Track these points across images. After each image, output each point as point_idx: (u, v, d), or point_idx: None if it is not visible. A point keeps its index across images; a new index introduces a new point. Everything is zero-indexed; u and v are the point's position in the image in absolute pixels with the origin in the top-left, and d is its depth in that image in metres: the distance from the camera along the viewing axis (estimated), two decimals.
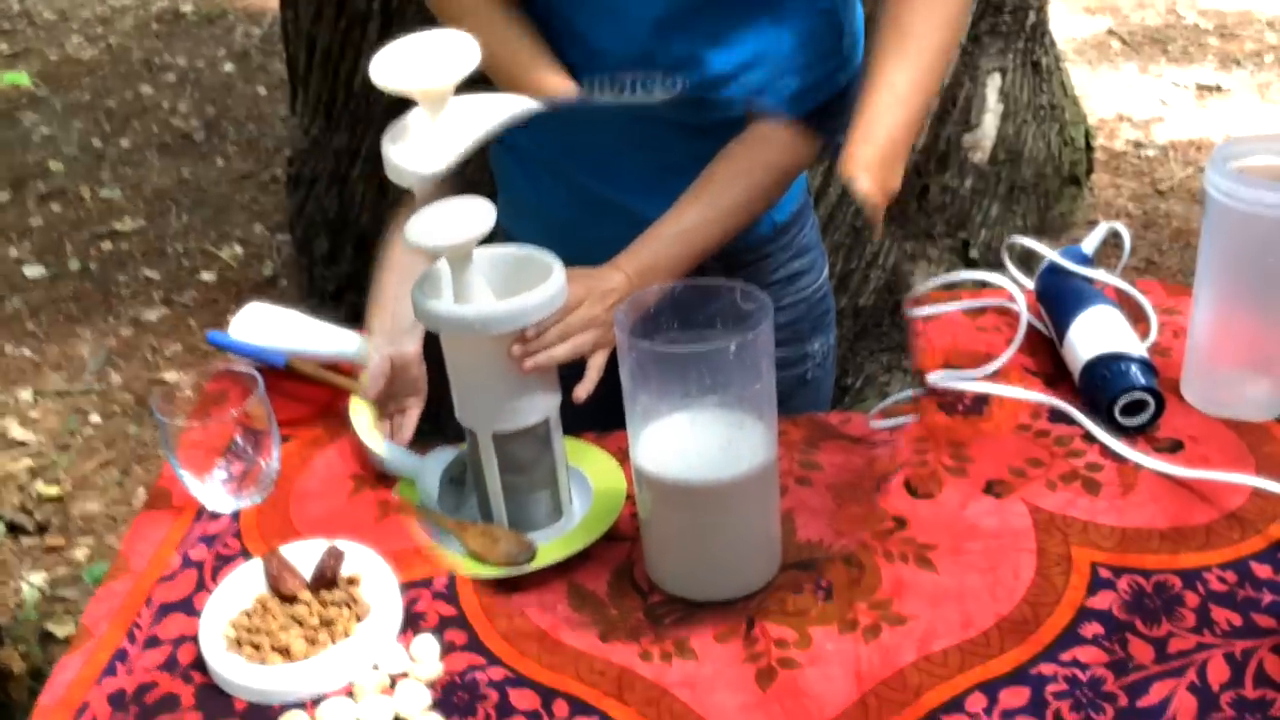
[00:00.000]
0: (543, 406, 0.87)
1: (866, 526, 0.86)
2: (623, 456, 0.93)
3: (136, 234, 3.31)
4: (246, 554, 0.89)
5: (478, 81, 0.83)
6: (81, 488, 2.39)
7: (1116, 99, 3.63)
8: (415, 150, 0.82)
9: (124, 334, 2.88)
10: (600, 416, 0.96)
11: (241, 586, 0.83)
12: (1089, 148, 2.97)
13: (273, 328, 1.07)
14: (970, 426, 0.95)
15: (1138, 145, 3.36)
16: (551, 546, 0.87)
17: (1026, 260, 1.10)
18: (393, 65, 0.79)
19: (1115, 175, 3.20)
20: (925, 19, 0.94)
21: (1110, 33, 4.12)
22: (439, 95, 0.80)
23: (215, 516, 0.93)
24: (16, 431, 2.58)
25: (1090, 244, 1.06)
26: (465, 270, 0.83)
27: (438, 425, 0.99)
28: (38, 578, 2.14)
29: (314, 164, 2.73)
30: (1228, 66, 3.81)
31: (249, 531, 0.91)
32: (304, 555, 0.84)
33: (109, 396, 2.68)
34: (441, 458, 0.94)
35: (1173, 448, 0.91)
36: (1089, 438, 0.93)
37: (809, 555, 0.85)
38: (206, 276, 3.09)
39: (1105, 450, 0.91)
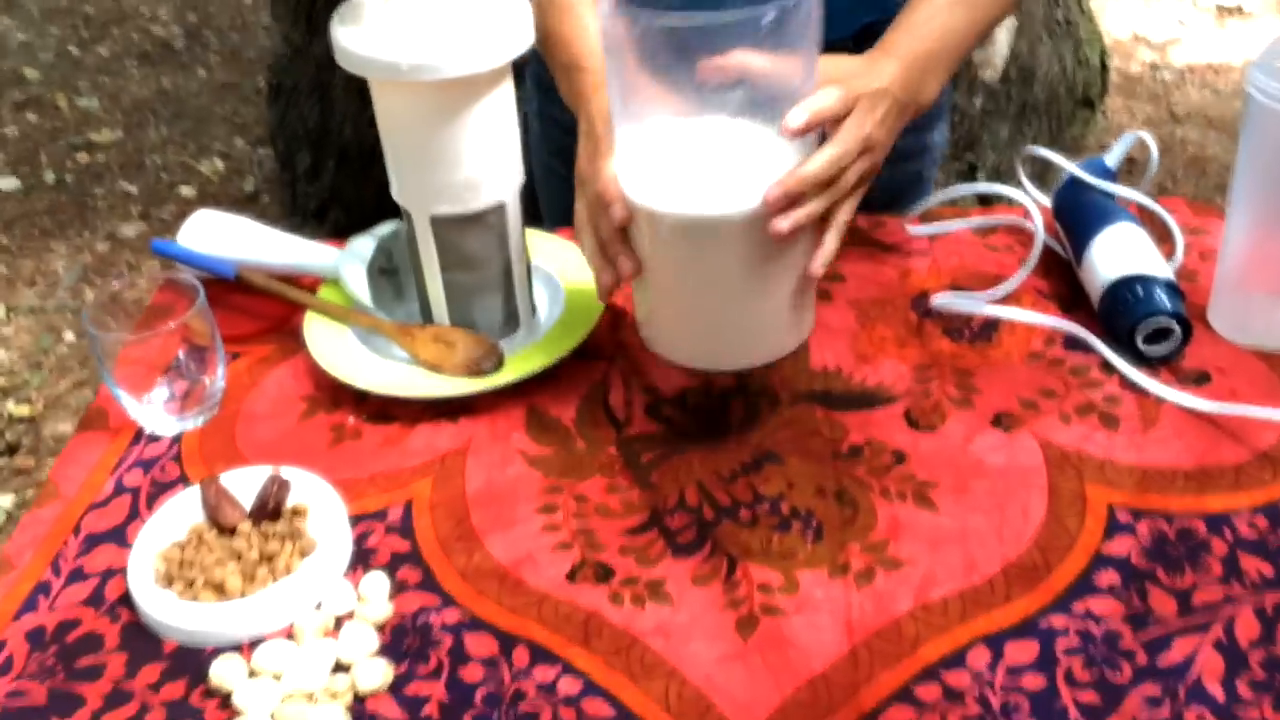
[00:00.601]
0: (497, 186, 0.76)
1: (894, 353, 0.78)
2: None
3: (114, 146, 3.20)
4: (186, 480, 0.81)
5: None
6: (53, 407, 2.31)
7: (1133, 19, 3.50)
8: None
9: (100, 249, 2.79)
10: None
11: (176, 516, 0.76)
12: (1104, 68, 2.85)
13: (224, 237, 0.99)
14: (978, 354, 0.87)
15: (1154, 67, 3.23)
16: (508, 363, 0.79)
17: (1042, 177, 1.01)
18: None
19: (1130, 98, 3.08)
20: None
21: None
22: None
23: (154, 439, 0.86)
24: None
25: (1114, 157, 0.97)
26: None
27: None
28: (5, 499, 2.08)
29: (295, 73, 2.62)
30: None
31: (190, 456, 0.84)
32: (246, 483, 0.77)
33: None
34: (364, 244, 0.85)
35: (1199, 380, 0.83)
36: (1107, 367, 0.85)
37: (823, 386, 0.79)
38: (186, 191, 2.99)
39: (1125, 381, 0.84)
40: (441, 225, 0.79)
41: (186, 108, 3.35)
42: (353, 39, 0.72)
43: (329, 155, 2.61)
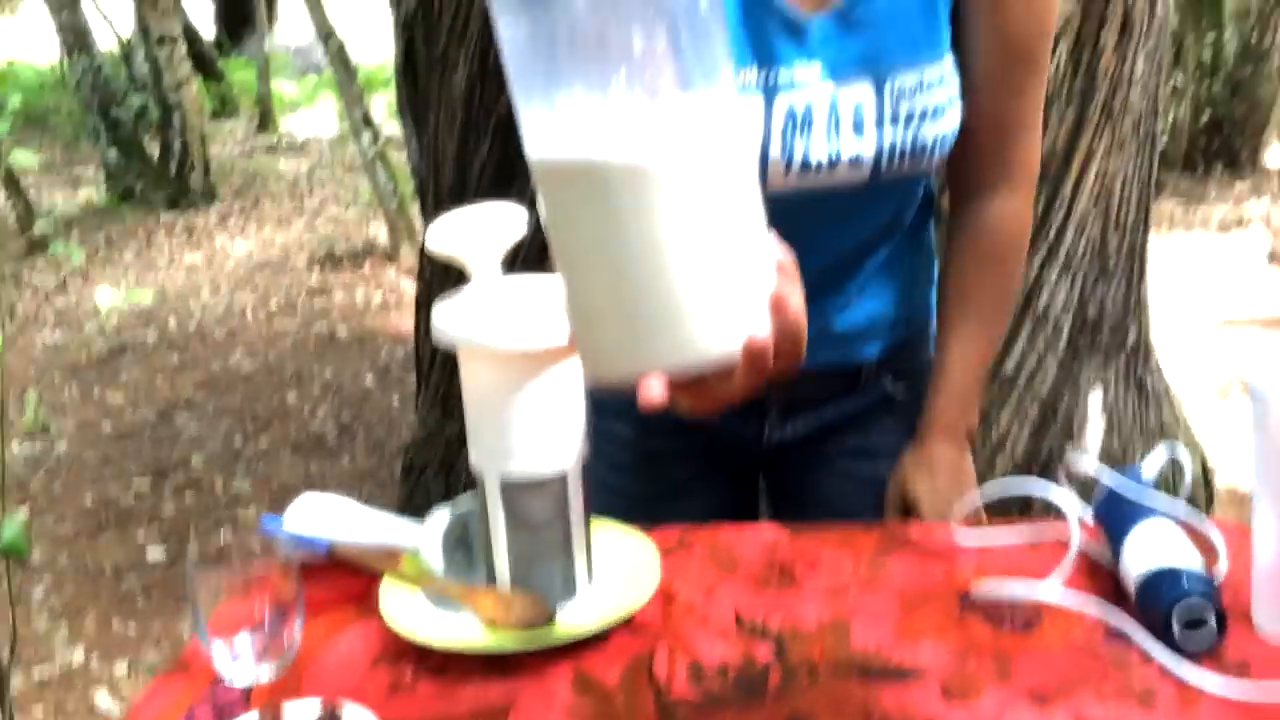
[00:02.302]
0: (560, 455, 0.85)
1: (934, 636, 0.80)
2: (666, 551, 0.90)
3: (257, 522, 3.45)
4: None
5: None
6: None
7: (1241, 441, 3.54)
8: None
9: None
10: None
11: None
12: (1207, 481, 2.88)
13: (324, 517, 1.10)
14: (1018, 640, 0.89)
15: None
16: (560, 626, 0.83)
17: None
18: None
19: (1243, 513, 3.06)
20: (984, 286, 1.09)
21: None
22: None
23: (229, 686, 0.92)
24: (104, 701, 2.60)
25: (1150, 467, 1.02)
26: (489, 281, 0.83)
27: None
28: None
29: (426, 453, 2.85)
30: None
31: (258, 695, 0.90)
32: (304, 713, 0.82)
33: None
34: (441, 518, 0.92)
35: (1239, 669, 0.83)
36: (1148, 658, 0.85)
37: (863, 661, 0.82)
38: None
39: (1164, 671, 0.84)
40: (509, 489, 0.88)
41: (327, 490, 3.62)
42: (446, 318, 0.86)
43: None
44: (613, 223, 0.61)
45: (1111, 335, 2.47)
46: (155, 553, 3.32)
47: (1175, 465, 1.06)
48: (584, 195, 0.61)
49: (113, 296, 1.87)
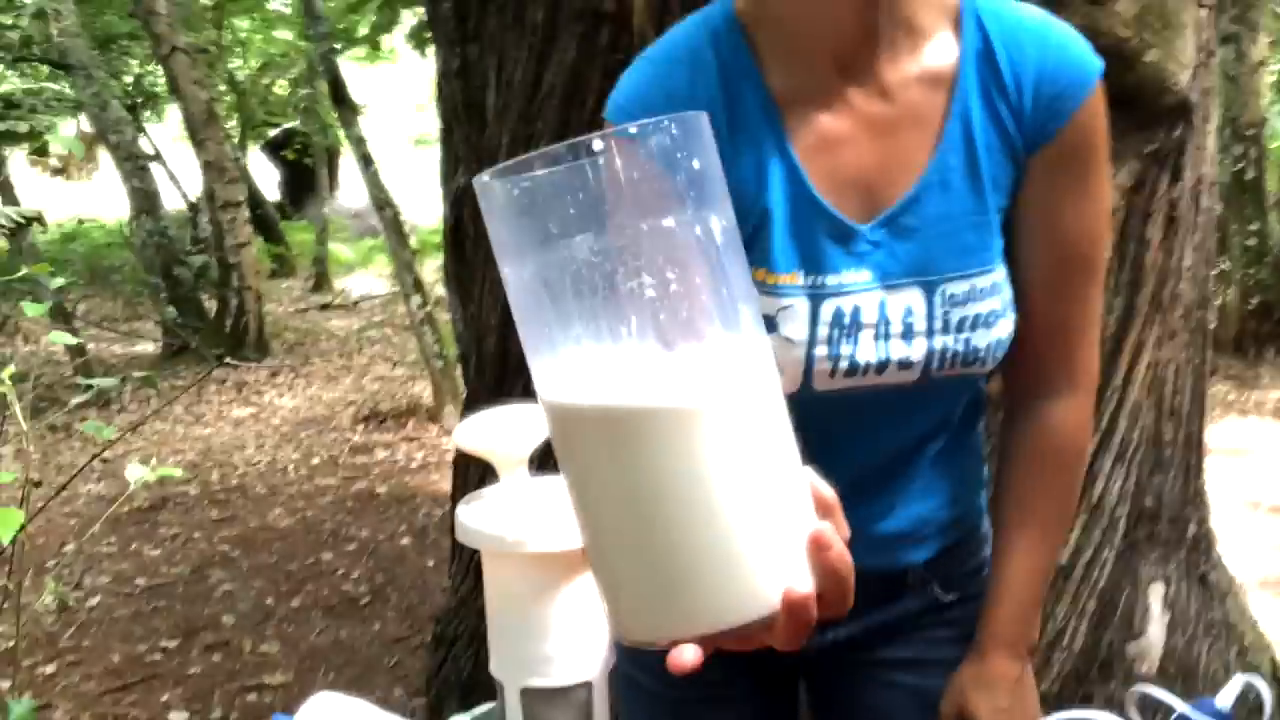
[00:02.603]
0: (586, 663, 0.79)
1: None
2: None
3: (282, 687, 3.36)
4: None
5: None
6: None
7: None
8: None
9: None
10: None
11: None
12: (1276, 678, 2.72)
13: (340, 717, 1.05)
14: None
15: None
16: None
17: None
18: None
19: None
20: (1044, 494, 1.04)
21: None
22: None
23: None
24: None
25: (1226, 697, 0.95)
26: (516, 481, 0.80)
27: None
28: None
29: (457, 623, 2.78)
30: None
31: None
32: None
33: None
34: None
35: None
36: None
37: None
38: None
39: None
40: (530, 698, 0.83)
41: (357, 656, 3.53)
42: (472, 516, 0.83)
43: (477, 702, 2.67)
44: (630, 471, 0.55)
45: (1170, 527, 2.38)
46: (178, 717, 3.23)
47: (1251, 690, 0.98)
48: (599, 442, 0.56)
49: (142, 470, 1.87)
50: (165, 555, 4.49)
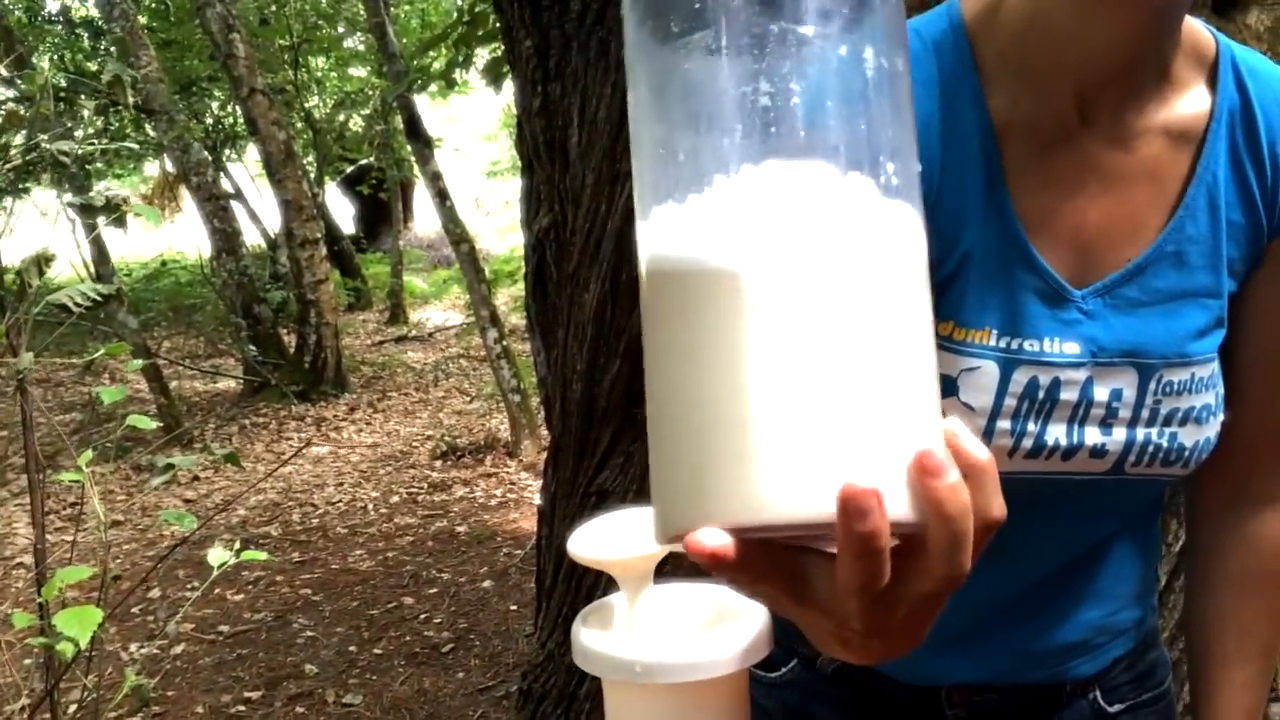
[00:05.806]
0: None
1: None
2: None
3: None
4: None
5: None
6: None
7: None
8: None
9: None
10: None
11: None
12: None
13: None
14: None
15: None
16: None
17: None
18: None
19: None
20: (1267, 620, 0.91)
21: None
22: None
23: None
24: None
25: None
26: (641, 599, 0.70)
27: None
28: None
29: (546, 679, 2.68)
30: None
31: None
32: None
33: None
34: None
35: None
36: None
37: None
38: None
39: None
40: None
41: (440, 708, 3.45)
42: (593, 638, 0.73)
43: None
44: (680, 333, 0.46)
45: None
46: None
47: None
48: (656, 302, 0.48)
49: (226, 555, 1.80)
50: (248, 600, 4.47)
